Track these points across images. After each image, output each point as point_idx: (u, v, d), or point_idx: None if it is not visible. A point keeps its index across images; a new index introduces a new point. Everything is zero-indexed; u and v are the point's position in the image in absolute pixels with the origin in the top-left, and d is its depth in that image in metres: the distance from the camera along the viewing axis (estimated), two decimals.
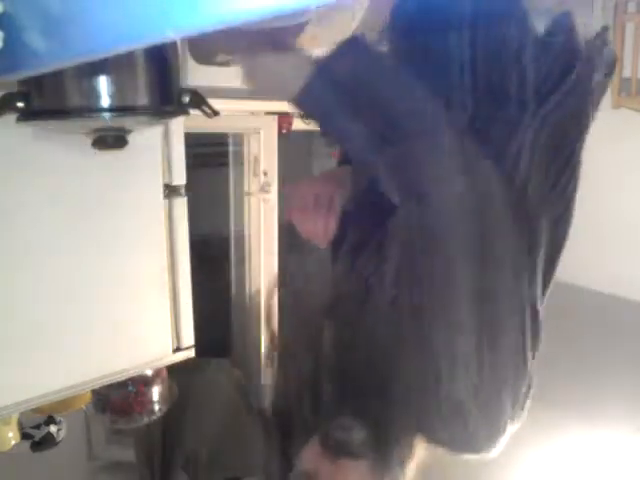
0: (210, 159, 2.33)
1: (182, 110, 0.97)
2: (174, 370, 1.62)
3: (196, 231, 1.45)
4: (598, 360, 2.12)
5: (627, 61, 2.25)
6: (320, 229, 0.87)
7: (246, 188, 2.11)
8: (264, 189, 2.01)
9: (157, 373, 1.62)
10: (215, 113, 1.00)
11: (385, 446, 0.79)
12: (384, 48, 0.93)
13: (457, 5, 0.79)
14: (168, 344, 1.38)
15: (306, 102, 0.75)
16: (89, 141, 0.96)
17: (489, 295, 0.69)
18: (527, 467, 2.01)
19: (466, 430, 0.73)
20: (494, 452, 0.75)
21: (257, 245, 2.12)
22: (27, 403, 1.18)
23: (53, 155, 1.12)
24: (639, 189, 2.35)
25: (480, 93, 0.80)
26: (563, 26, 0.83)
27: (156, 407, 1.64)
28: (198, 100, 0.97)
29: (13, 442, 1.56)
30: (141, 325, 1.32)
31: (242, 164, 2.10)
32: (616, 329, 2.26)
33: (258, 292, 2.16)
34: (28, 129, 0.94)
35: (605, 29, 0.86)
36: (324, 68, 0.72)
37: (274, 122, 1.97)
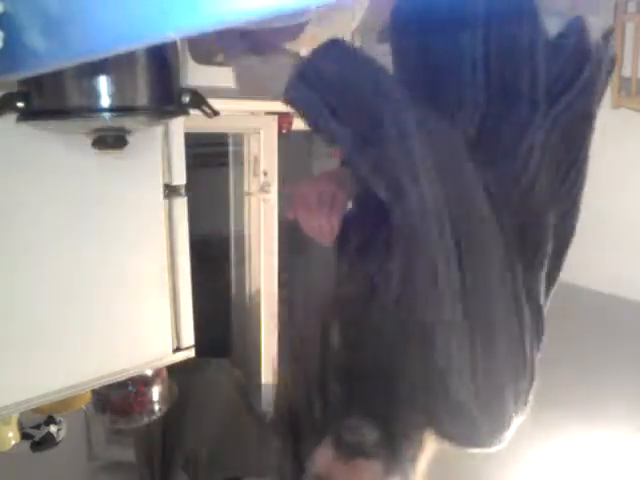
0: (210, 159, 2.33)
1: (182, 110, 0.97)
2: (174, 370, 1.62)
3: (196, 231, 1.45)
4: (598, 360, 2.11)
5: (627, 61, 2.25)
6: (324, 227, 0.87)
7: (246, 188, 2.11)
8: (264, 189, 2.01)
9: (157, 373, 1.62)
10: (215, 113, 1.00)
11: (396, 443, 0.79)
12: (385, 48, 0.93)
13: (467, 4, 0.80)
14: (168, 344, 1.38)
15: (291, 102, 0.77)
16: (89, 141, 0.96)
17: (477, 295, 0.69)
18: (527, 467, 2.01)
19: (470, 427, 0.74)
20: (500, 446, 0.75)
21: (257, 245, 2.12)
22: (27, 403, 1.18)
23: (53, 155, 1.12)
24: (639, 189, 2.35)
25: (492, 92, 0.80)
26: (575, 28, 0.84)
27: (156, 407, 1.64)
28: (198, 100, 0.97)
29: (13, 442, 1.56)
30: (141, 325, 1.32)
31: (242, 164, 2.10)
32: (616, 329, 2.26)
33: (258, 292, 2.16)
34: (28, 129, 0.94)
35: (611, 30, 0.86)
36: (304, 69, 0.73)
37: (274, 122, 1.97)
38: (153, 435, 1.94)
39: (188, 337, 1.42)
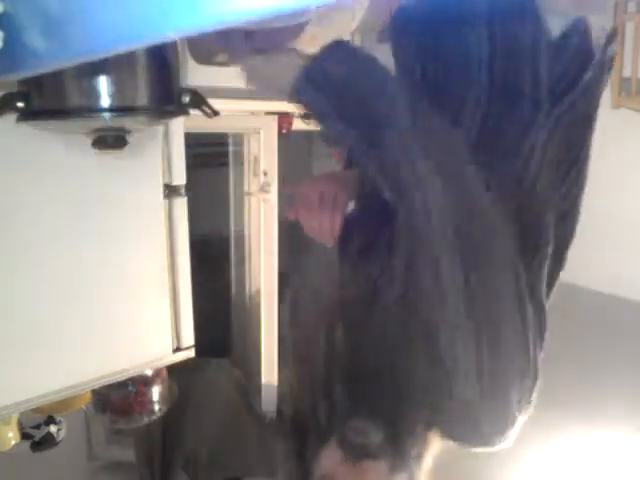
0: (210, 159, 2.33)
1: (182, 110, 0.97)
2: (174, 370, 1.62)
3: (196, 231, 1.45)
4: (598, 360, 2.11)
5: (627, 61, 2.25)
6: (326, 227, 0.87)
7: (246, 188, 2.11)
8: (264, 189, 2.01)
9: (157, 373, 1.62)
10: (215, 113, 1.00)
11: (401, 443, 0.79)
12: (385, 48, 0.93)
13: (470, 4, 0.80)
14: (168, 344, 1.38)
15: (299, 102, 0.76)
16: (89, 141, 0.96)
17: (482, 295, 0.69)
18: (527, 467, 2.01)
19: (475, 426, 0.74)
20: (504, 445, 0.75)
21: (257, 245, 2.12)
22: (27, 403, 1.18)
23: (53, 155, 1.12)
24: (639, 189, 2.35)
25: (494, 92, 0.80)
26: (578, 28, 0.84)
27: (156, 407, 1.64)
28: (198, 100, 0.97)
29: (13, 442, 1.56)
30: (141, 325, 1.32)
31: (242, 164, 2.10)
32: (616, 329, 2.26)
33: (258, 292, 2.16)
34: (28, 129, 0.94)
35: (614, 31, 0.86)
36: (310, 70, 0.73)
37: (274, 122, 1.97)
38: (153, 435, 1.94)
39: (188, 337, 1.42)
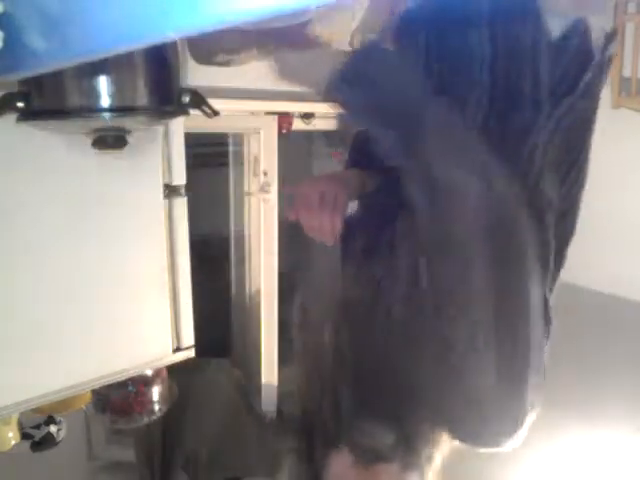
0: (210, 159, 2.33)
1: (182, 110, 0.97)
2: (174, 370, 1.62)
3: (196, 231, 1.45)
4: (598, 360, 2.11)
5: (627, 61, 2.25)
6: (326, 227, 0.86)
7: (246, 188, 2.11)
8: (264, 189, 2.01)
9: (157, 373, 1.62)
10: (215, 113, 1.00)
11: (413, 445, 0.80)
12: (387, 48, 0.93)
13: (471, 6, 0.80)
14: (168, 344, 1.38)
15: (334, 100, 0.77)
16: (89, 141, 0.96)
17: (509, 292, 0.69)
18: (527, 467, 2.01)
19: (486, 426, 0.73)
20: (514, 445, 0.75)
21: (257, 245, 2.12)
22: (27, 403, 1.18)
23: (53, 155, 1.12)
24: (639, 189, 2.34)
25: (495, 93, 0.81)
26: (578, 30, 0.84)
27: (156, 407, 1.64)
28: (198, 100, 0.97)
29: (13, 442, 1.56)
30: (141, 325, 1.32)
31: (242, 164, 2.10)
32: (616, 329, 2.26)
33: (258, 292, 2.16)
34: (28, 129, 0.94)
35: (614, 31, 0.86)
36: (347, 70, 0.73)
37: (274, 122, 1.97)
38: (153, 435, 1.94)
39: (188, 337, 1.42)
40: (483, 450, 0.76)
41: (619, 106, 2.26)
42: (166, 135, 1.30)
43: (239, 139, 2.11)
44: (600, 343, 2.21)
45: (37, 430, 1.66)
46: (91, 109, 0.84)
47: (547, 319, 0.80)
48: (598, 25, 0.84)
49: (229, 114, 1.80)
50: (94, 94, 0.83)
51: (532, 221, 0.73)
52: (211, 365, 2.05)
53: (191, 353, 1.44)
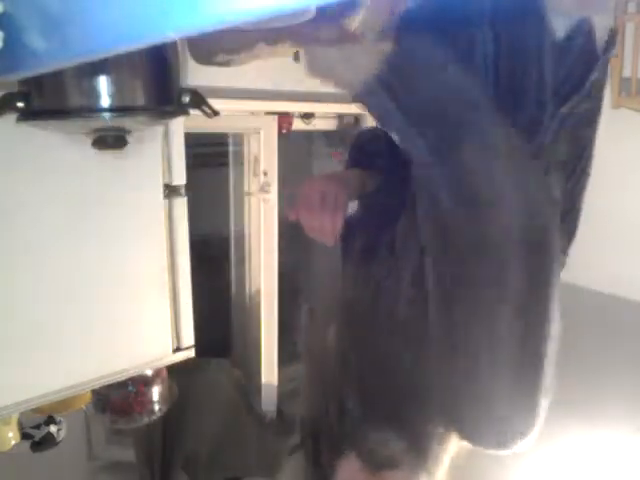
0: (210, 159, 2.33)
1: (182, 110, 0.97)
2: (174, 370, 1.62)
3: (196, 231, 1.45)
4: (598, 360, 2.11)
5: (627, 61, 2.25)
6: (327, 228, 0.86)
7: (246, 188, 2.11)
8: (264, 189, 2.01)
9: (157, 373, 1.62)
10: (215, 113, 1.00)
11: (422, 449, 0.79)
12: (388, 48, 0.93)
13: (474, 6, 0.79)
14: (168, 344, 1.38)
15: (366, 105, 0.75)
16: (89, 141, 0.96)
17: (536, 297, 0.68)
18: (527, 467, 2.01)
19: (499, 426, 0.73)
20: (526, 446, 0.74)
21: (257, 245, 2.12)
22: (27, 403, 1.18)
23: (53, 155, 1.12)
24: (639, 189, 2.34)
25: (499, 93, 0.80)
26: (582, 29, 0.84)
27: (156, 407, 1.64)
28: (198, 100, 0.97)
29: (13, 442, 1.56)
30: (141, 325, 1.32)
31: (242, 164, 2.10)
32: (616, 329, 2.26)
33: (258, 292, 2.16)
34: (28, 129, 0.94)
35: (615, 32, 0.86)
36: (383, 72, 0.70)
37: (274, 122, 1.97)
38: (153, 435, 1.94)
39: (188, 337, 1.42)
40: (493, 452, 0.75)
41: (619, 106, 2.26)
42: (166, 135, 1.30)
43: (239, 139, 2.11)
44: (600, 343, 2.21)
45: (37, 430, 1.66)
46: (91, 109, 0.84)
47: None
48: (602, 25, 0.84)
49: (229, 114, 1.80)
50: (94, 94, 0.83)
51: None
52: (211, 365, 2.05)
53: (191, 353, 1.44)
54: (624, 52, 2.25)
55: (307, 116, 2.08)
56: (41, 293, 1.16)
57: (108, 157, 1.13)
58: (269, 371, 2.20)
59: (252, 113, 1.92)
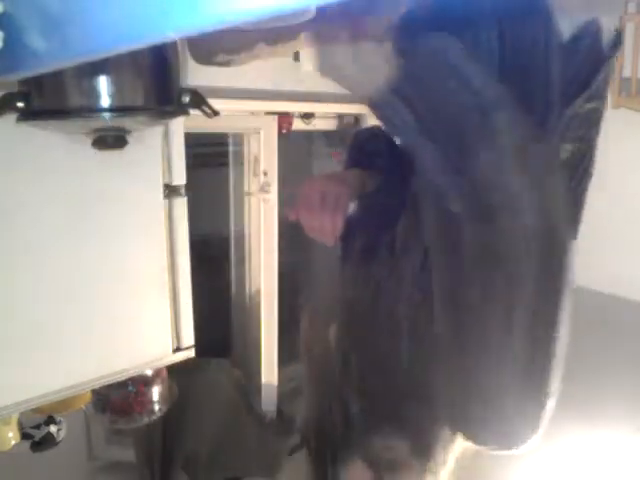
0: (210, 159, 2.33)
1: (182, 110, 0.97)
2: (174, 370, 1.62)
3: (196, 231, 1.45)
4: (598, 360, 2.11)
5: (627, 61, 2.25)
6: (327, 228, 0.85)
7: (246, 188, 2.11)
8: (264, 189, 2.01)
9: (157, 373, 1.62)
10: (215, 113, 1.00)
11: (429, 452, 0.79)
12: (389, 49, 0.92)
13: (480, 6, 0.78)
14: (168, 344, 1.38)
15: (375, 108, 0.72)
16: (89, 141, 0.96)
17: (548, 307, 0.68)
18: (527, 467, 2.01)
19: (507, 426, 0.72)
20: (532, 446, 0.74)
21: (257, 245, 2.12)
22: (27, 403, 1.18)
23: (53, 155, 1.12)
24: (639, 189, 2.34)
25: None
26: (590, 30, 0.83)
27: (156, 407, 1.64)
28: (198, 100, 0.97)
29: (13, 442, 1.56)
30: (141, 325, 1.32)
31: (242, 164, 2.10)
32: (616, 329, 2.26)
33: (258, 292, 2.16)
34: (28, 129, 0.94)
35: (620, 32, 0.86)
36: (397, 79, 0.68)
37: (274, 122, 1.97)
38: (153, 435, 1.94)
39: (188, 337, 1.42)
40: (498, 452, 0.74)
41: (619, 106, 2.26)
42: (166, 135, 1.30)
43: (239, 139, 2.11)
44: (600, 343, 2.21)
45: (37, 430, 1.66)
46: (91, 109, 0.84)
47: None
48: (609, 25, 0.84)
49: (229, 114, 1.80)
50: (94, 94, 0.83)
51: None
52: (211, 365, 2.05)
53: (191, 353, 1.44)
54: (624, 52, 2.25)
55: (307, 116, 2.08)
56: (41, 293, 1.16)
57: (108, 157, 1.12)
58: (269, 371, 2.20)
59: (252, 113, 1.92)
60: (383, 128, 0.77)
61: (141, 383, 1.59)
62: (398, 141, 0.74)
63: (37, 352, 1.16)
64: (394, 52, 0.82)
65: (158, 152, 1.28)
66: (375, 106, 0.71)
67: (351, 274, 0.93)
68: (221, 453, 1.97)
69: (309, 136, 2.62)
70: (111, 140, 0.94)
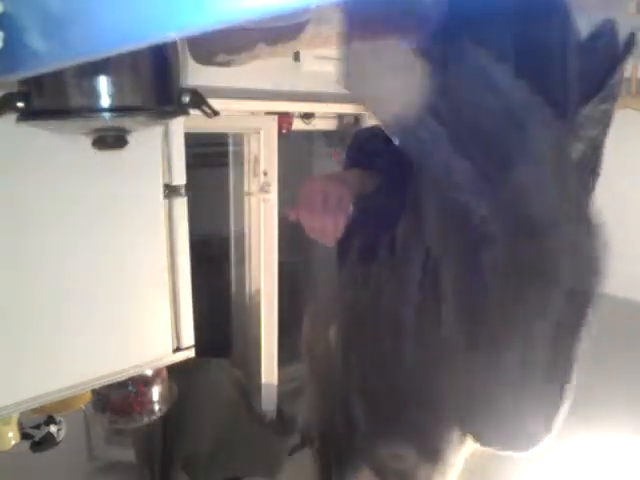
0: (210, 159, 2.33)
1: (182, 110, 0.97)
2: (174, 370, 1.62)
3: (196, 231, 1.45)
4: (598, 360, 2.11)
5: (627, 61, 2.26)
6: (329, 229, 0.85)
7: (246, 188, 2.11)
8: (264, 189, 2.01)
9: (157, 373, 1.61)
10: (215, 113, 1.00)
11: (438, 458, 0.78)
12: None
13: (496, 3, 0.77)
14: (168, 344, 1.38)
15: (408, 126, 0.67)
16: (89, 141, 0.96)
17: (573, 321, 0.68)
18: (527, 467, 2.00)
19: (522, 432, 0.72)
20: (543, 447, 0.73)
21: (257, 245, 2.12)
22: (27, 403, 1.18)
23: (53, 155, 1.12)
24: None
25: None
26: (606, 30, 0.82)
27: (156, 407, 1.63)
28: (198, 100, 0.97)
29: (13, 442, 1.56)
30: (141, 325, 1.32)
31: (242, 164, 2.10)
32: (616, 329, 2.26)
33: (258, 292, 2.16)
34: (28, 129, 0.94)
35: (633, 33, 0.85)
36: (431, 93, 0.63)
37: (274, 122, 1.97)
38: (153, 435, 1.94)
39: (188, 337, 1.42)
40: (511, 454, 0.74)
41: (625, 107, 2.26)
42: (166, 135, 1.30)
43: (239, 139, 2.11)
44: (600, 343, 2.21)
45: (37, 430, 1.66)
46: (91, 109, 0.84)
47: None
48: (625, 25, 0.83)
49: (229, 114, 1.80)
50: (94, 94, 0.83)
51: None
52: (211, 365, 2.05)
53: (191, 353, 1.44)
54: None
55: (307, 116, 2.08)
56: (41, 293, 1.16)
57: (108, 157, 1.12)
58: (269, 371, 2.20)
59: (252, 113, 1.92)
60: (404, 145, 0.72)
61: (141, 383, 1.59)
62: (422, 160, 0.69)
63: (37, 352, 1.16)
64: (425, 64, 0.74)
65: (158, 152, 1.28)
66: (402, 123, 0.66)
67: (350, 275, 0.92)
68: (221, 453, 1.97)
69: (309, 136, 2.62)
70: (111, 140, 0.94)
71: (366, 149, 1.03)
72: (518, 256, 0.66)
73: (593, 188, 0.86)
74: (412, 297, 0.76)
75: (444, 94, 0.63)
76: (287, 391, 2.23)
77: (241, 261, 2.25)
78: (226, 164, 2.23)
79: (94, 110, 0.84)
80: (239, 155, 2.13)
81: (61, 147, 1.12)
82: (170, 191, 1.33)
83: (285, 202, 2.04)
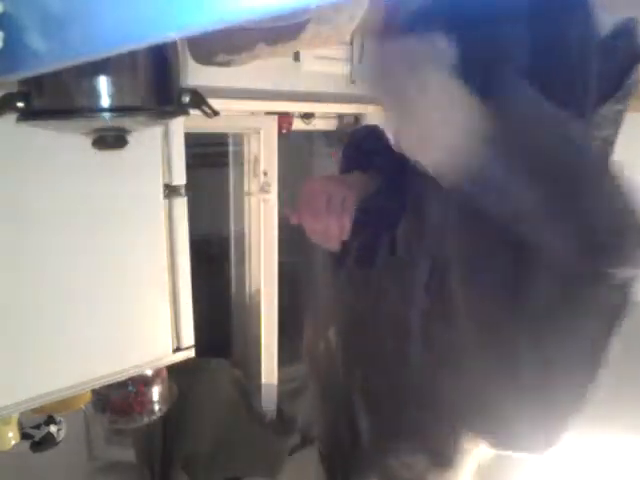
0: (210, 159, 2.33)
1: (182, 110, 0.97)
2: (174, 370, 1.62)
3: (196, 231, 1.45)
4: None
5: None
6: (333, 232, 0.81)
7: (246, 188, 2.11)
8: (264, 189, 2.01)
9: (157, 373, 1.62)
10: (215, 113, 1.00)
11: (449, 463, 0.78)
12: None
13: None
14: (168, 344, 1.38)
15: (475, 175, 0.62)
16: (89, 141, 0.96)
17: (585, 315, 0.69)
18: (527, 467, 2.00)
19: (533, 436, 0.71)
20: (553, 448, 0.73)
21: (257, 245, 2.12)
22: (27, 403, 1.18)
23: (53, 155, 1.12)
24: None
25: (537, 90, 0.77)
26: (627, 29, 0.81)
27: (156, 407, 1.63)
28: (198, 100, 0.97)
29: (13, 442, 1.56)
30: (141, 325, 1.32)
31: (242, 164, 2.10)
32: (617, 330, 2.26)
33: (258, 292, 2.16)
34: (28, 129, 0.94)
35: None
36: (488, 129, 0.59)
37: (274, 122, 1.97)
38: (153, 435, 1.94)
39: (188, 337, 1.42)
40: (523, 455, 0.73)
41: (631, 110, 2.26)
42: (166, 135, 1.30)
43: (239, 139, 2.11)
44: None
45: (37, 430, 1.66)
46: (91, 109, 0.84)
47: None
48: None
49: (229, 114, 1.80)
50: (94, 94, 0.83)
51: None
52: (211, 365, 2.05)
53: (191, 353, 1.44)
54: None
55: (307, 116, 2.08)
56: (41, 293, 1.16)
57: (108, 157, 1.12)
58: (269, 371, 2.20)
59: (252, 113, 1.92)
60: (471, 188, 0.63)
61: (141, 383, 1.59)
62: (489, 199, 0.62)
63: (37, 352, 1.16)
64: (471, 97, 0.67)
65: (158, 152, 1.28)
66: (464, 164, 0.60)
67: (350, 276, 0.91)
68: (221, 453, 1.97)
69: (309, 136, 2.62)
70: (111, 140, 0.94)
71: (363, 148, 1.02)
72: (578, 276, 0.64)
73: None
74: (419, 300, 0.75)
75: (497, 128, 0.59)
76: (287, 391, 2.23)
77: (241, 261, 2.25)
78: (226, 164, 2.23)
79: (94, 110, 0.84)
80: (239, 155, 2.13)
81: (61, 147, 1.12)
82: (170, 191, 1.33)
83: (285, 202, 2.04)
